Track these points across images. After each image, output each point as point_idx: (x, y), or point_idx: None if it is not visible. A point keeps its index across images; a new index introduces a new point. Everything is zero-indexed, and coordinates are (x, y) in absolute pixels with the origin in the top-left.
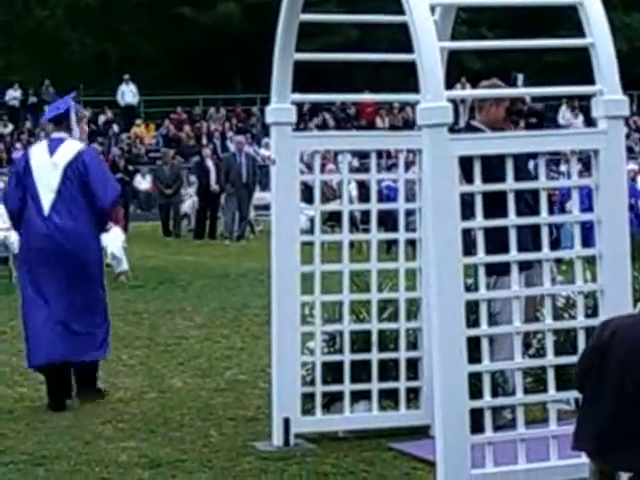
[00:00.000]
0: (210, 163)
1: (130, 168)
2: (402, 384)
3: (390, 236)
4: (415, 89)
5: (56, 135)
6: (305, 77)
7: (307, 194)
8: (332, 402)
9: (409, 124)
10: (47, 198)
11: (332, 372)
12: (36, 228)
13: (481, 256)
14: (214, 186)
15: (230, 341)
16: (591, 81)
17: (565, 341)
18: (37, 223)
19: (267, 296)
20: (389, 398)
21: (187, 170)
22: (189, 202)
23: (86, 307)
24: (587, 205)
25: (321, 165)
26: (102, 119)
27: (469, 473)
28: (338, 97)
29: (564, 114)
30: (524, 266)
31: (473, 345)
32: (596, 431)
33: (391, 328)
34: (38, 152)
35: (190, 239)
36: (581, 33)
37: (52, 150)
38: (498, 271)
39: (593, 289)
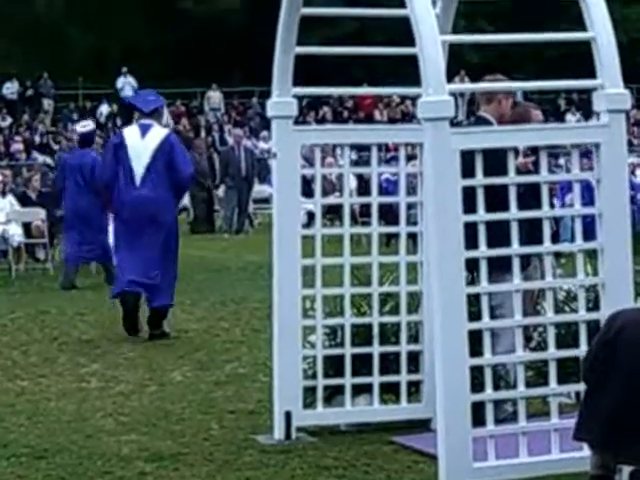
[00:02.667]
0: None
1: None
2: (403, 377)
3: (391, 229)
4: (414, 82)
5: (145, 121)
6: (304, 70)
7: (305, 188)
8: (333, 395)
9: (408, 117)
10: (139, 172)
11: (333, 365)
12: (129, 196)
13: (483, 250)
14: (200, 179)
15: (230, 334)
16: (592, 75)
17: (566, 334)
18: (129, 192)
19: (267, 289)
20: (390, 391)
21: None
22: (186, 195)
23: (163, 261)
24: (587, 198)
25: (320, 158)
26: (105, 111)
27: (471, 466)
28: (339, 90)
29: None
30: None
31: (474, 338)
32: (601, 423)
33: (392, 321)
34: (131, 134)
35: (188, 233)
36: (582, 27)
37: (143, 133)
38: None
39: (594, 282)
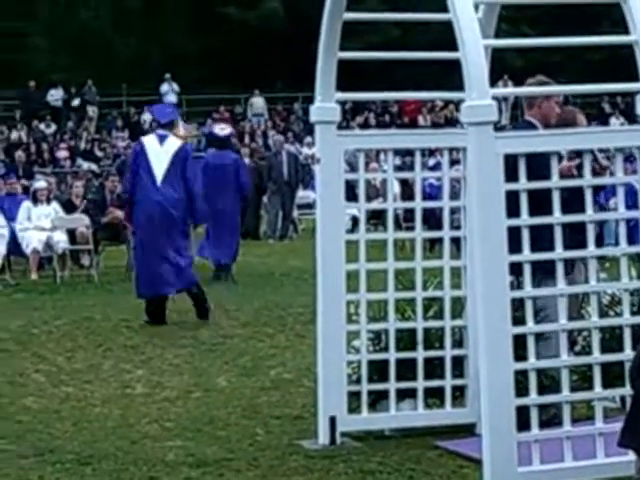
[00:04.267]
0: (247, 162)
1: None
2: (448, 382)
3: (435, 234)
4: (457, 87)
5: (162, 132)
6: (346, 76)
7: (349, 193)
8: (378, 400)
9: (451, 122)
10: (159, 174)
11: (378, 370)
12: (150, 194)
13: (527, 254)
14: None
15: (275, 340)
16: (634, 78)
17: (611, 338)
18: (151, 191)
19: (311, 295)
20: (435, 396)
21: None
22: None
23: (179, 249)
24: (631, 202)
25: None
26: (149, 119)
27: (516, 471)
28: (382, 95)
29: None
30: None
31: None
32: None
33: (436, 326)
34: (150, 142)
35: None
36: (624, 30)
37: (161, 141)
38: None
39: (639, 286)
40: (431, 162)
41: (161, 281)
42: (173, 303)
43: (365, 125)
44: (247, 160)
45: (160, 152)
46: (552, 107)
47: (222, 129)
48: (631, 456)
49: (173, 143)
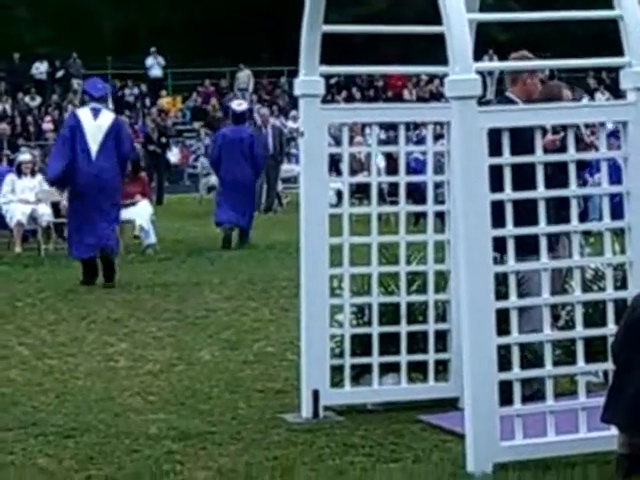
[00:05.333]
0: None
1: (163, 140)
2: (431, 356)
3: (419, 208)
4: (443, 61)
5: (96, 105)
6: (332, 50)
7: (333, 167)
8: (361, 374)
9: (436, 96)
10: (94, 148)
11: (361, 344)
12: (85, 168)
13: (510, 228)
14: None
15: (258, 313)
16: (620, 53)
17: (594, 313)
18: (86, 165)
19: (295, 268)
20: (418, 370)
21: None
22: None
23: (109, 217)
24: (615, 178)
25: (349, 138)
26: (135, 91)
27: (498, 445)
28: (366, 69)
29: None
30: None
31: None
32: (629, 405)
33: (420, 300)
34: (85, 116)
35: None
36: (609, 5)
37: (95, 116)
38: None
39: (622, 261)
40: (417, 136)
41: (90, 245)
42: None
43: (350, 99)
44: None
45: (94, 126)
46: (536, 84)
47: (239, 105)
48: (614, 431)
49: (106, 117)
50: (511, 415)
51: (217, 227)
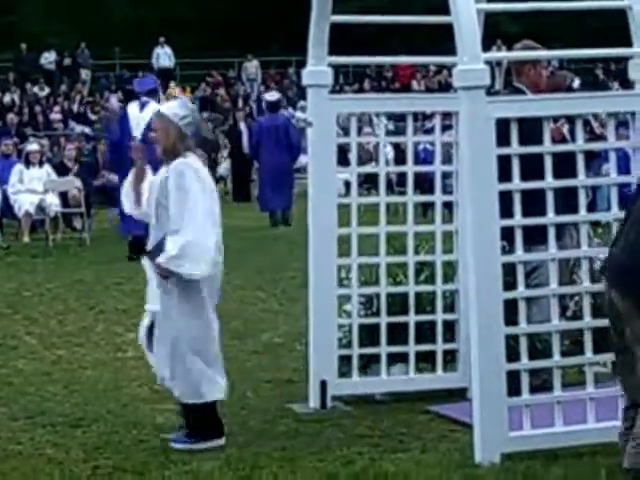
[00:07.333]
0: (243, 126)
1: None
2: (439, 346)
3: (427, 198)
4: (451, 52)
5: (145, 99)
6: (341, 40)
7: (341, 157)
8: (369, 365)
9: (445, 87)
10: (137, 139)
11: (369, 335)
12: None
13: (518, 218)
14: (246, 149)
15: (267, 303)
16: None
17: (602, 303)
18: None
19: (304, 258)
20: (426, 360)
21: (222, 133)
22: (225, 164)
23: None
24: (624, 168)
25: (357, 128)
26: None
27: (506, 435)
28: (374, 60)
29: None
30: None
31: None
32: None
33: (428, 290)
34: (132, 109)
35: (226, 201)
36: None
37: (142, 108)
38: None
39: None
40: (426, 126)
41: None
42: None
43: (360, 91)
44: (242, 124)
45: (139, 118)
46: (540, 74)
47: (272, 95)
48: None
49: (152, 109)
50: (519, 405)
51: (262, 212)
